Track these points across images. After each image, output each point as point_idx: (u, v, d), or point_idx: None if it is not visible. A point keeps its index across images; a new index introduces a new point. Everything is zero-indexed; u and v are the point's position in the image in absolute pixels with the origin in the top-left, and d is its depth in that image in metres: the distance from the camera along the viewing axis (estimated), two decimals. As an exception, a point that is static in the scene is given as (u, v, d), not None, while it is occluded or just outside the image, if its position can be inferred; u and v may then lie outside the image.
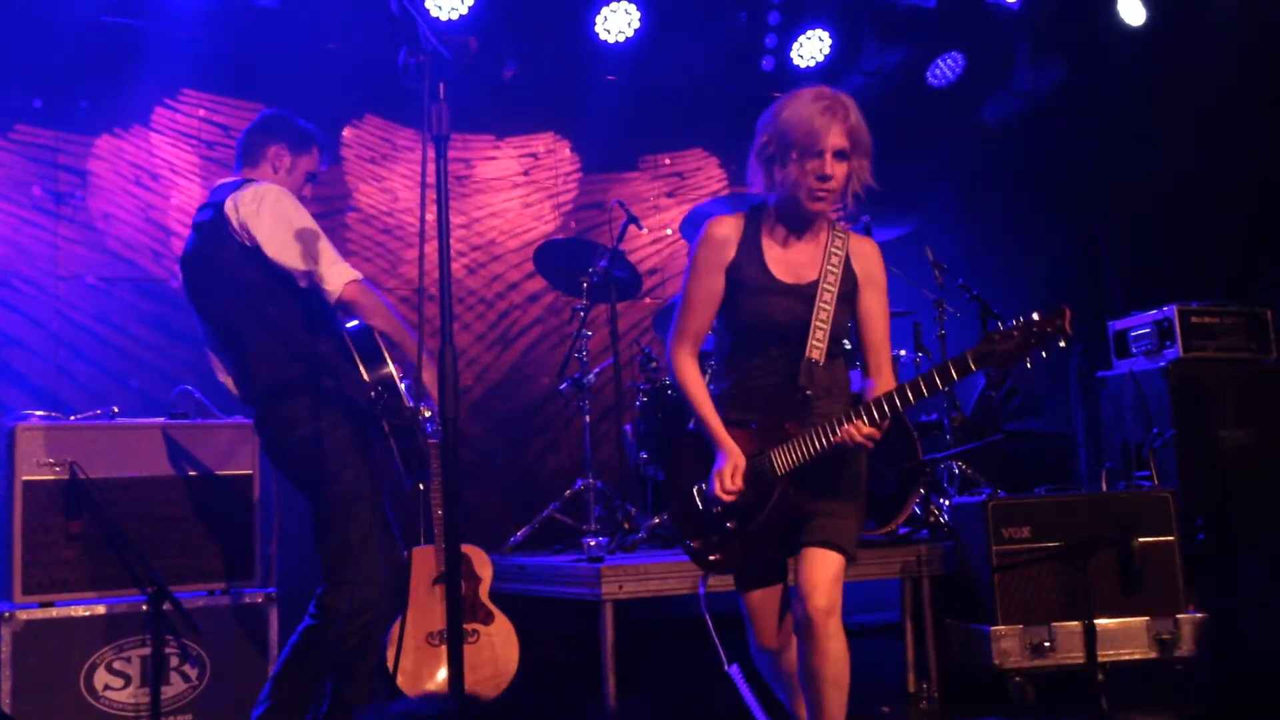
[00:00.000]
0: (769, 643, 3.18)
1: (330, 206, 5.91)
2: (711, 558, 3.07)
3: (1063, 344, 2.85)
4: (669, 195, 6.81)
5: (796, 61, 6.38)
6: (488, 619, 4.43)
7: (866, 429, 2.84)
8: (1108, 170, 6.80)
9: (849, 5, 6.31)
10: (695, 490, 3.07)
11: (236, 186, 3.55)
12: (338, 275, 3.40)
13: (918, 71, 6.64)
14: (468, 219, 6.28)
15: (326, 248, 3.44)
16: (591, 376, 5.29)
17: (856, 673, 3.01)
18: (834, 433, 2.86)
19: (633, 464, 5.49)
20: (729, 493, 2.95)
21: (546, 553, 5.19)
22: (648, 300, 6.41)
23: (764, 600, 3.14)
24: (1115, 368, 5.80)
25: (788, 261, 3.04)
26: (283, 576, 4.32)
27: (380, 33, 5.29)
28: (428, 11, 5.50)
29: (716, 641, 3.23)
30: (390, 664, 3.94)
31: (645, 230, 6.18)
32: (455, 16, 5.64)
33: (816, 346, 2.98)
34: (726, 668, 3.28)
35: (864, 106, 7.65)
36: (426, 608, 4.31)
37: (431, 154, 2.67)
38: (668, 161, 6.84)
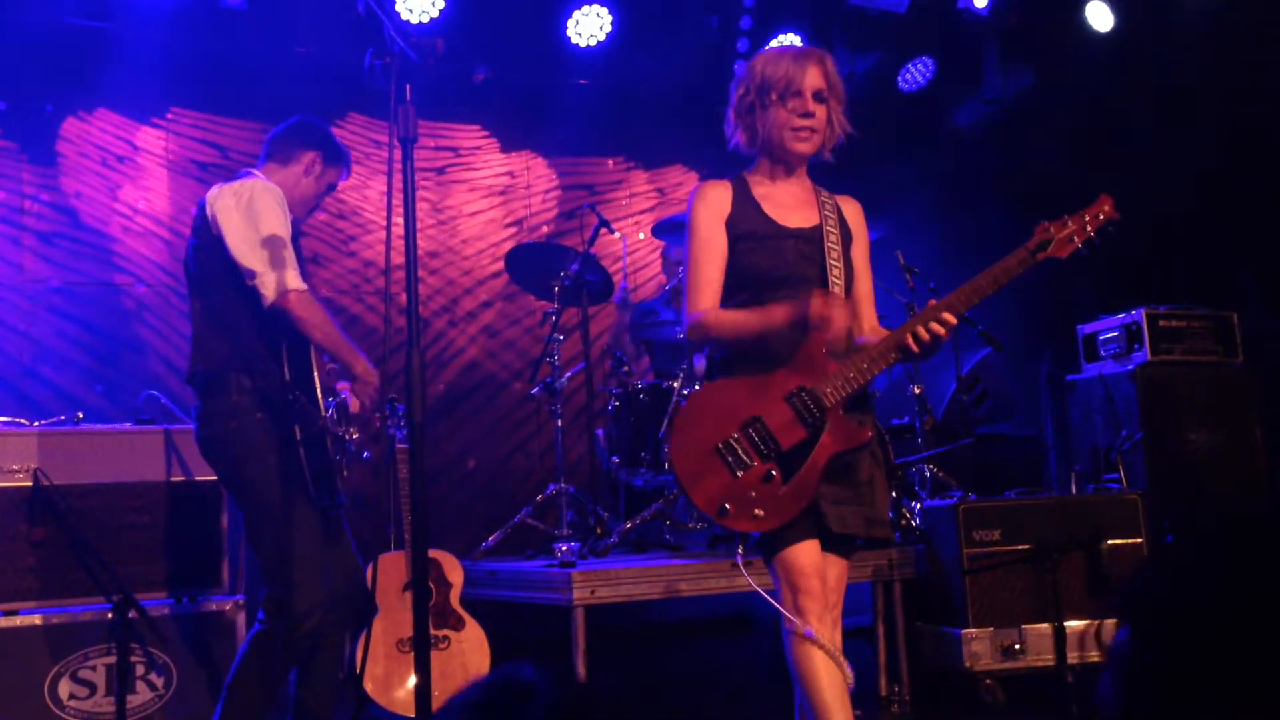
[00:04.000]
0: (816, 605, 2.79)
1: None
2: (757, 511, 2.78)
3: (1111, 230, 2.92)
4: (642, 204, 6.81)
5: (768, 66, 6.39)
6: (459, 625, 4.41)
7: (950, 319, 2.81)
8: (1077, 175, 6.85)
9: (820, 9, 6.33)
10: (725, 443, 2.80)
11: (237, 178, 3.55)
12: (278, 282, 3.34)
13: (889, 76, 6.67)
14: (442, 218, 6.25)
15: (282, 255, 3.38)
16: (563, 380, 5.28)
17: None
18: (906, 340, 2.80)
19: (605, 468, 5.48)
20: (837, 313, 2.79)
21: (518, 558, 5.17)
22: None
23: (810, 554, 2.83)
24: (1085, 371, 5.83)
25: (786, 208, 3.01)
26: (253, 583, 4.27)
27: (352, 34, 5.27)
28: (397, 14, 5.48)
29: (778, 605, 2.83)
30: (359, 671, 3.91)
31: (617, 234, 6.17)
32: (425, 19, 5.63)
33: (835, 283, 2.93)
34: (787, 627, 2.82)
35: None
36: (397, 614, 4.28)
37: (399, 156, 2.66)
38: (644, 184, 6.85)
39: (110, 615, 3.88)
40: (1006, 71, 6.64)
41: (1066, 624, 4.50)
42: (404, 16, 5.53)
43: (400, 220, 2.69)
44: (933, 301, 2.88)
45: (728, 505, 2.81)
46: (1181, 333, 5.44)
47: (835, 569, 2.90)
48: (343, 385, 3.81)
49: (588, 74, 6.39)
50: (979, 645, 4.53)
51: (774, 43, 6.36)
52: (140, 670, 3.97)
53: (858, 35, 6.44)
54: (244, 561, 4.25)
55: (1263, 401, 5.47)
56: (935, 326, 2.82)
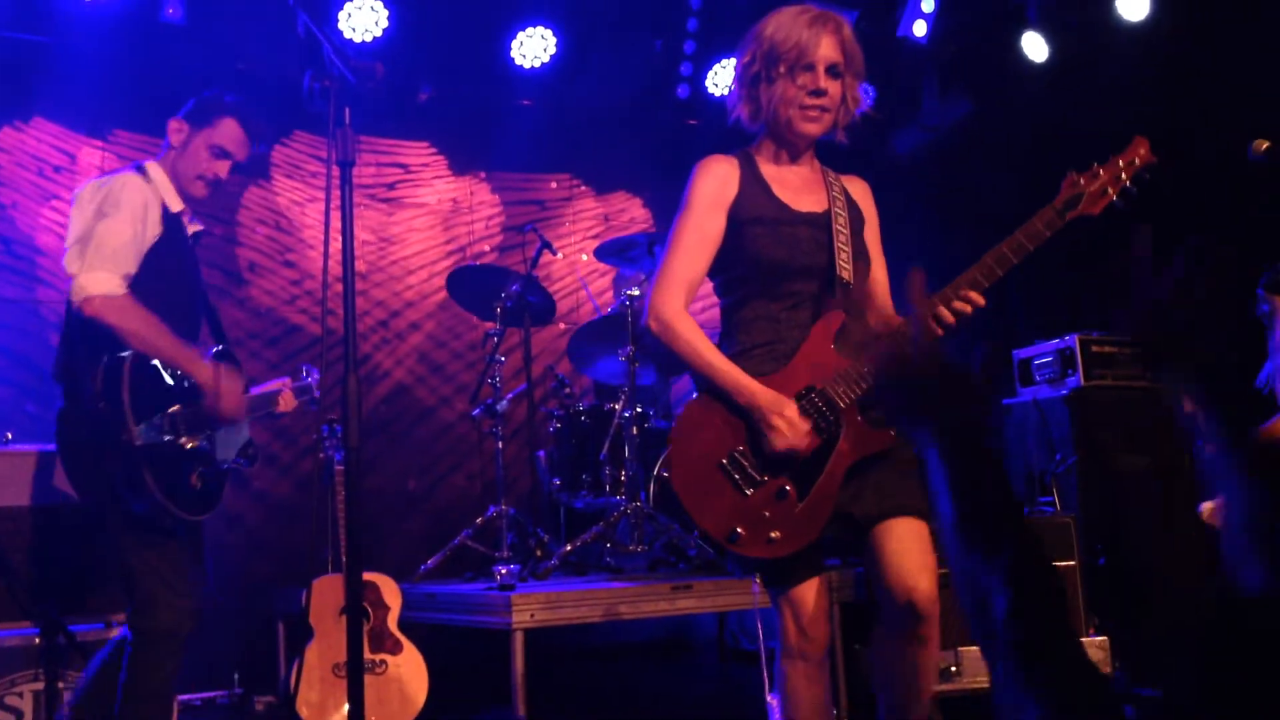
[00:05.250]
0: (820, 635, 2.67)
1: (259, 223, 5.85)
2: (773, 534, 2.52)
3: (1147, 176, 2.62)
4: (587, 227, 6.82)
5: (711, 90, 6.45)
6: (396, 649, 4.36)
7: (977, 299, 2.58)
8: (1013, 202, 6.96)
9: (763, 36, 6.39)
10: (730, 457, 2.54)
11: (114, 173, 3.40)
12: (85, 285, 3.13)
13: (830, 102, 6.74)
14: (385, 235, 6.22)
15: (100, 255, 3.16)
16: (505, 402, 5.26)
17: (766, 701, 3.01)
18: (929, 323, 2.50)
19: (546, 490, 5.47)
20: (801, 440, 2.51)
21: (458, 580, 5.13)
22: (562, 325, 6.39)
23: (819, 596, 2.66)
24: (1020, 395, 5.92)
25: (795, 190, 2.76)
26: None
27: (295, 51, 5.23)
28: (340, 33, 5.45)
29: (764, 663, 2.78)
30: (293, 695, 3.86)
31: (560, 255, 6.17)
32: (369, 38, 5.61)
33: (845, 267, 2.70)
34: (782, 656, 2.73)
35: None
36: (333, 638, 4.23)
37: (337, 177, 2.65)
38: (591, 203, 6.86)
39: (37, 640, 3.80)
40: (945, 99, 6.75)
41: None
42: (347, 35, 5.51)
43: (339, 242, 2.67)
44: (959, 280, 2.61)
45: (739, 529, 2.52)
46: (1114, 358, 5.54)
47: (925, 537, 2.56)
48: (281, 382, 3.72)
49: (532, 95, 6.41)
50: (916, 667, 4.56)
51: (721, 68, 6.41)
52: (68, 696, 3.88)
53: (800, 61, 6.51)
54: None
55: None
56: (960, 305, 2.58)
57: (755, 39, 2.75)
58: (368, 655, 4.19)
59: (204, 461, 3.33)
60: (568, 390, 5.55)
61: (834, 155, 6.80)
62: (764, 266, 2.70)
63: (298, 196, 6.00)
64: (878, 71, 6.71)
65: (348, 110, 2.62)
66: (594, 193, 6.89)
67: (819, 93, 2.69)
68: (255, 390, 3.60)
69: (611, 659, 5.56)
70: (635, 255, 5.65)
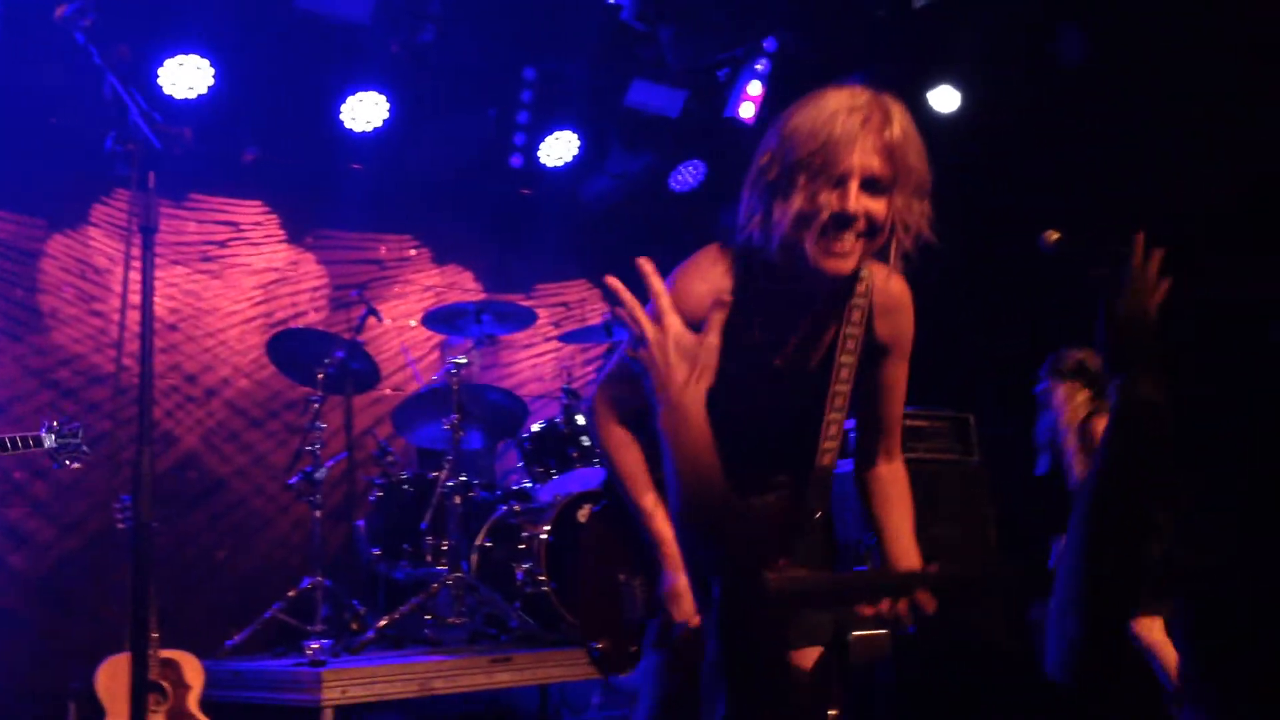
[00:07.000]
0: None
1: (63, 271, 5.63)
2: (623, 676, 2.36)
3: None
4: (418, 294, 6.77)
5: (544, 161, 6.51)
6: (197, 730, 4.17)
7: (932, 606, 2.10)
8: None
9: (596, 109, 6.51)
10: (620, 584, 2.33)
11: None
12: None
13: (661, 176, 6.90)
14: (201, 296, 6.02)
15: None
16: (324, 470, 5.13)
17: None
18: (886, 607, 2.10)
19: (364, 560, 5.34)
20: (697, 615, 2.13)
21: (268, 656, 4.95)
22: (388, 392, 6.29)
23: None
24: (840, 466, 6.09)
25: (793, 328, 2.20)
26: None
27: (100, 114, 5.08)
28: (160, 89, 5.30)
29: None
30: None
31: (387, 322, 6.11)
32: (193, 95, 5.46)
33: (829, 450, 2.21)
34: None
35: (610, 208, 7.76)
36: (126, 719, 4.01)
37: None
38: (422, 268, 6.82)
39: None
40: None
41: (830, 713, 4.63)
42: (168, 91, 5.34)
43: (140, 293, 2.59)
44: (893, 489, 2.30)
45: (598, 646, 2.36)
46: (924, 432, 5.78)
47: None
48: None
49: (364, 158, 6.35)
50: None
51: (554, 139, 6.46)
52: None
53: (632, 136, 6.64)
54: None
55: (995, 497, 5.85)
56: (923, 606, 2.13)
57: (776, 134, 2.09)
58: (165, 737, 3.99)
59: None
60: (390, 458, 5.45)
61: (663, 231, 6.88)
62: (717, 415, 2.20)
63: (111, 251, 5.78)
64: (709, 147, 6.94)
65: (152, 174, 2.55)
66: (426, 258, 6.85)
67: (845, 221, 2.01)
68: None
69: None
70: (463, 323, 5.62)
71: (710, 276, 2.18)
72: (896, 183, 2.02)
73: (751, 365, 2.17)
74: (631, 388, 2.12)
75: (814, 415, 2.20)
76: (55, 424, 3.81)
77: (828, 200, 2.00)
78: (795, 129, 2.04)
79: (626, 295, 1.73)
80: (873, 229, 2.05)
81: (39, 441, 3.76)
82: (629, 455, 2.25)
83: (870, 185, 2.02)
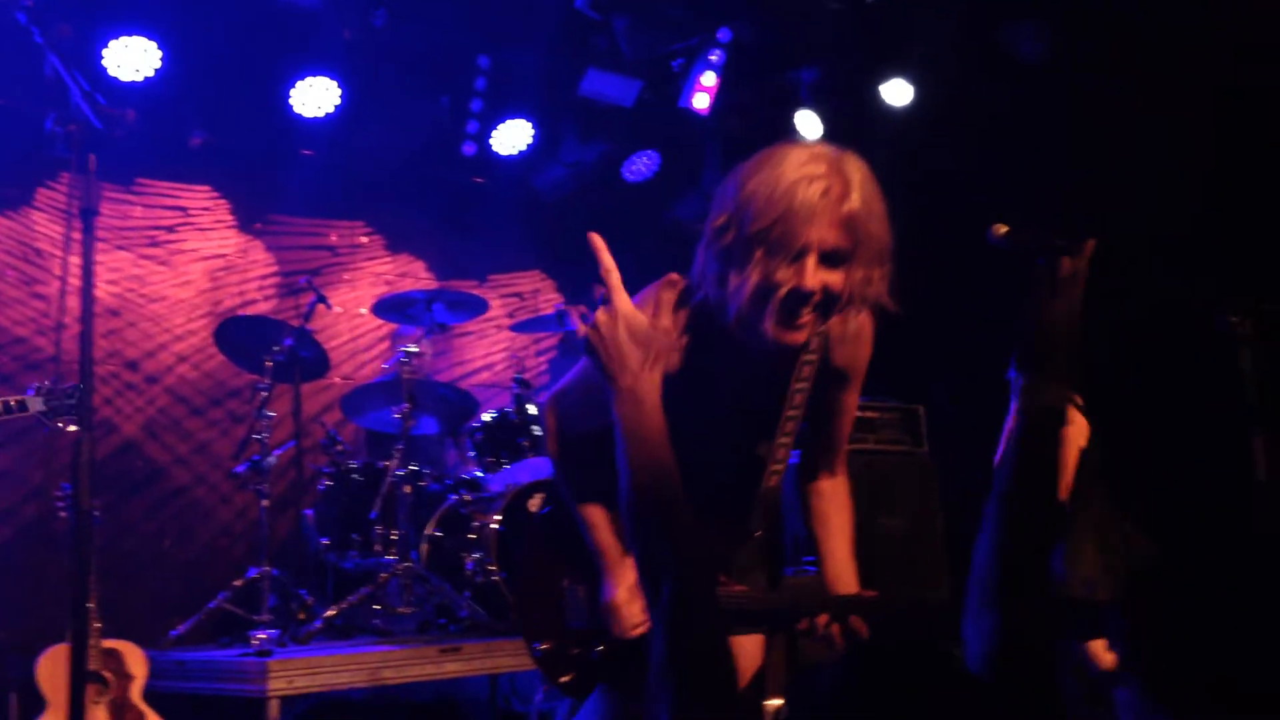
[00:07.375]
0: None
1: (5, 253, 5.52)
2: (563, 680, 2.36)
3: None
4: (370, 281, 6.71)
5: (497, 149, 6.47)
6: (139, 721, 4.12)
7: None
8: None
9: (550, 98, 6.48)
10: (565, 589, 2.35)
11: None
12: None
13: (615, 166, 6.88)
14: (145, 281, 5.92)
15: None
16: (272, 459, 5.07)
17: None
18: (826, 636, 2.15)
19: (313, 550, 5.30)
20: (636, 628, 2.19)
21: (213, 646, 4.89)
22: (337, 380, 6.23)
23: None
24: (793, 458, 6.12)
25: (745, 376, 2.17)
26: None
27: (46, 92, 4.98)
28: (105, 70, 5.20)
29: None
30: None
31: (336, 309, 6.05)
32: (140, 78, 5.36)
33: (776, 472, 2.20)
34: None
35: (564, 197, 7.72)
36: (68, 710, 3.94)
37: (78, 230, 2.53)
38: (374, 255, 6.75)
39: None
40: (726, 169, 6.98)
41: (767, 703, 4.65)
42: (114, 72, 5.23)
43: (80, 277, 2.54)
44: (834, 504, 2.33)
45: (541, 646, 2.36)
46: (874, 423, 5.81)
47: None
48: None
49: (315, 144, 6.28)
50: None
51: (508, 128, 6.41)
52: None
53: (587, 125, 6.62)
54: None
55: (943, 488, 5.90)
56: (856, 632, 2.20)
57: (733, 194, 2.01)
58: (107, 729, 3.93)
59: None
60: (339, 447, 5.40)
61: (616, 221, 6.90)
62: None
63: (53, 233, 5.67)
64: (663, 138, 6.93)
65: (92, 157, 2.50)
66: (378, 245, 6.79)
67: (802, 297, 1.95)
68: None
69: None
70: (414, 312, 5.59)
71: (664, 311, 2.15)
72: (856, 253, 1.97)
73: (701, 395, 2.14)
74: (584, 406, 2.13)
75: (763, 440, 2.19)
76: (44, 384, 3.60)
77: (785, 277, 1.95)
78: (752, 195, 1.97)
79: (606, 256, 1.75)
80: (830, 301, 2.01)
81: (24, 406, 3.50)
82: (575, 465, 2.27)
83: (829, 259, 1.97)
